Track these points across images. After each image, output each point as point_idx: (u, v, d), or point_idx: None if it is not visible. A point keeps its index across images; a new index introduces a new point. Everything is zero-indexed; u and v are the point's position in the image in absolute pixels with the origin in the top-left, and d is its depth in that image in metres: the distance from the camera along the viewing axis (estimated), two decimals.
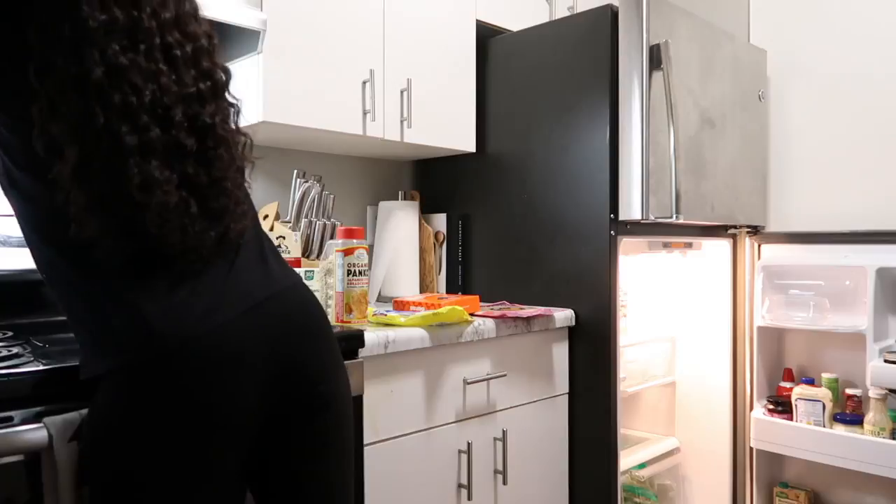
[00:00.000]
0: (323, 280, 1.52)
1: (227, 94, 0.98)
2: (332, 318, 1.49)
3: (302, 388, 0.96)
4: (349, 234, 1.46)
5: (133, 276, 0.88)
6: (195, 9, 0.96)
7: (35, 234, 0.93)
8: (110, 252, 0.87)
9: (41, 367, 0.99)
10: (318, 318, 1.01)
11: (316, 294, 1.55)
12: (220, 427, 0.88)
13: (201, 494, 0.87)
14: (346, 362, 1.30)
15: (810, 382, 2.17)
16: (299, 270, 1.56)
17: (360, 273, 1.45)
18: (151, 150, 0.85)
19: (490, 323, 1.65)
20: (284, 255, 1.70)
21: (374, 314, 1.59)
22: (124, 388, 0.86)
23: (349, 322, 1.45)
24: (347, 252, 1.44)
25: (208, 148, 0.92)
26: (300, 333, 0.97)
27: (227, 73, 0.98)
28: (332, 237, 1.86)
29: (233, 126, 0.99)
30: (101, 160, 0.83)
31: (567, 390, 1.91)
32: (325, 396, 0.98)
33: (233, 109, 0.99)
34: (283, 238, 1.71)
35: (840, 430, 2.06)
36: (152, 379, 0.85)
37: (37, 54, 0.82)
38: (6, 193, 0.93)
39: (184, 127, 0.89)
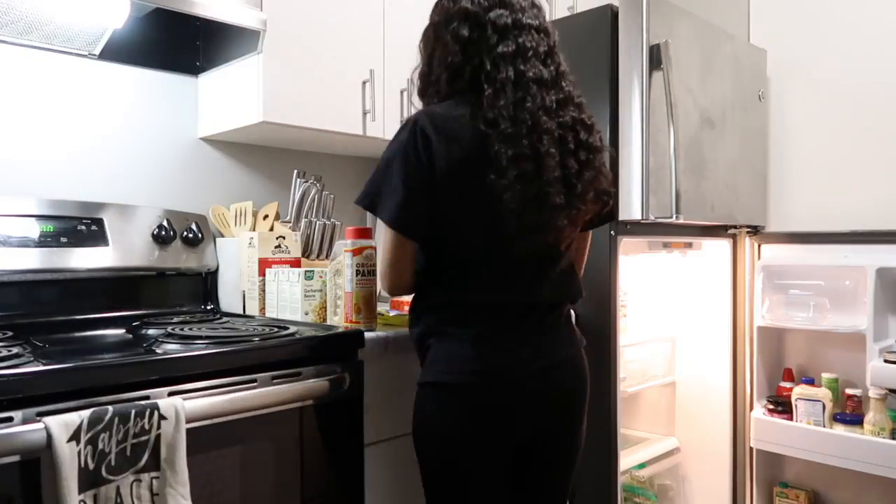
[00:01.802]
0: (332, 280, 1.51)
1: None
2: (340, 319, 1.49)
3: (559, 424, 1.27)
4: (358, 234, 1.45)
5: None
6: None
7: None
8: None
9: (41, 367, 0.99)
10: (581, 388, 1.29)
11: (318, 294, 1.55)
12: (511, 433, 1.21)
13: (491, 473, 1.21)
14: (346, 362, 1.31)
15: (810, 382, 2.17)
16: (299, 270, 1.56)
17: (369, 273, 1.45)
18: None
19: None
20: (284, 256, 1.70)
21: None
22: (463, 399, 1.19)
23: (358, 323, 1.44)
24: (356, 252, 1.44)
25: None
26: (570, 398, 1.27)
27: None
28: (331, 237, 1.86)
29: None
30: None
31: None
32: (570, 437, 1.30)
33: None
34: (283, 238, 1.71)
35: (840, 430, 2.06)
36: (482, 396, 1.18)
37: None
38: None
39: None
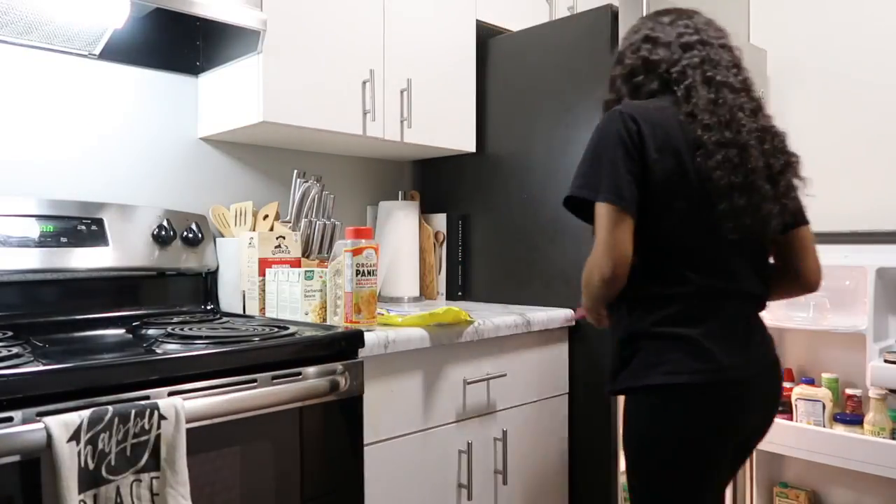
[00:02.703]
0: (332, 280, 1.52)
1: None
2: (340, 319, 1.49)
3: (765, 425, 1.32)
4: (358, 234, 1.45)
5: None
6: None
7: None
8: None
9: (41, 367, 0.99)
10: (781, 391, 1.33)
11: (318, 294, 1.55)
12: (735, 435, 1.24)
13: (718, 471, 1.24)
14: (346, 362, 1.31)
15: (810, 382, 2.17)
16: (299, 270, 1.56)
17: (369, 273, 1.45)
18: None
19: (490, 323, 1.65)
20: (284, 255, 1.70)
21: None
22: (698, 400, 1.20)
23: (358, 323, 1.44)
24: (356, 252, 1.44)
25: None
26: (777, 399, 1.31)
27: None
28: (331, 237, 1.86)
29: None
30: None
31: (567, 390, 1.91)
32: (761, 437, 1.34)
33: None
34: (283, 238, 1.71)
35: (840, 430, 2.06)
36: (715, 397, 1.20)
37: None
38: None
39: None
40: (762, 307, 1.30)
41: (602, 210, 1.21)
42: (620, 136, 1.21)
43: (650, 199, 1.21)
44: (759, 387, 1.24)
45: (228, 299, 1.76)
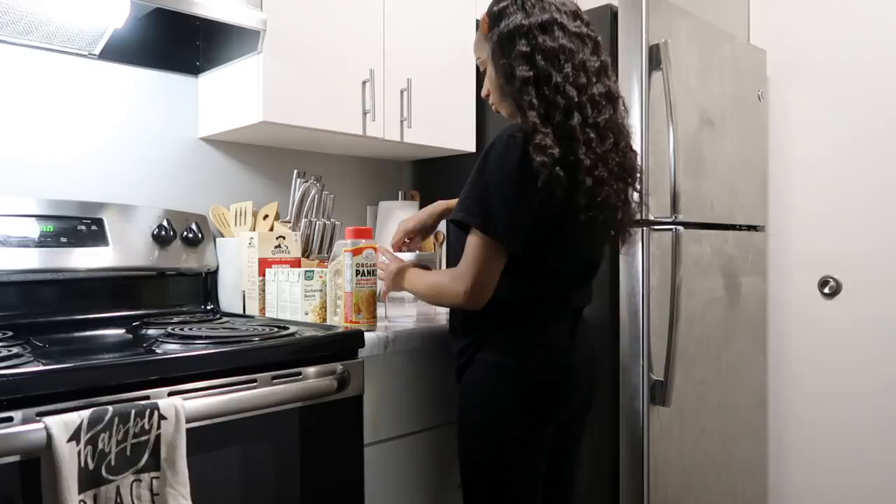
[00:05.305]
0: (332, 280, 1.52)
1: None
2: (340, 319, 1.49)
3: (587, 406, 1.44)
4: (358, 233, 1.45)
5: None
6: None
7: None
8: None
9: (41, 367, 0.99)
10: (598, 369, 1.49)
11: (318, 294, 1.55)
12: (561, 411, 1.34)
13: (539, 448, 1.33)
14: (345, 362, 1.31)
15: None
16: (299, 270, 1.56)
17: (369, 273, 1.45)
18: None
19: None
20: (284, 255, 1.70)
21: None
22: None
23: (358, 323, 1.44)
24: (356, 252, 1.44)
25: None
26: (593, 378, 1.44)
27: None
28: (331, 237, 1.86)
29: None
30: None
31: None
32: (588, 410, 1.47)
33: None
34: (283, 238, 1.71)
35: None
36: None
37: None
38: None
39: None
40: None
41: None
42: None
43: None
44: (584, 371, 1.39)
45: (228, 299, 1.76)
